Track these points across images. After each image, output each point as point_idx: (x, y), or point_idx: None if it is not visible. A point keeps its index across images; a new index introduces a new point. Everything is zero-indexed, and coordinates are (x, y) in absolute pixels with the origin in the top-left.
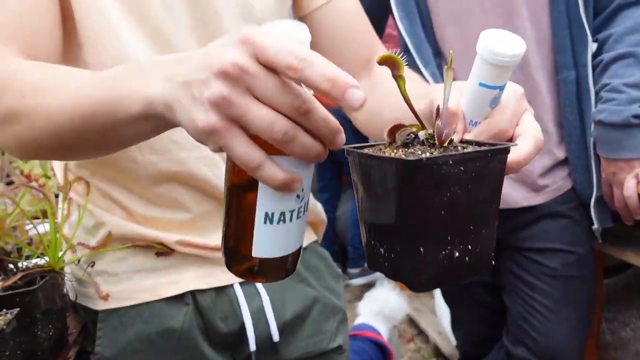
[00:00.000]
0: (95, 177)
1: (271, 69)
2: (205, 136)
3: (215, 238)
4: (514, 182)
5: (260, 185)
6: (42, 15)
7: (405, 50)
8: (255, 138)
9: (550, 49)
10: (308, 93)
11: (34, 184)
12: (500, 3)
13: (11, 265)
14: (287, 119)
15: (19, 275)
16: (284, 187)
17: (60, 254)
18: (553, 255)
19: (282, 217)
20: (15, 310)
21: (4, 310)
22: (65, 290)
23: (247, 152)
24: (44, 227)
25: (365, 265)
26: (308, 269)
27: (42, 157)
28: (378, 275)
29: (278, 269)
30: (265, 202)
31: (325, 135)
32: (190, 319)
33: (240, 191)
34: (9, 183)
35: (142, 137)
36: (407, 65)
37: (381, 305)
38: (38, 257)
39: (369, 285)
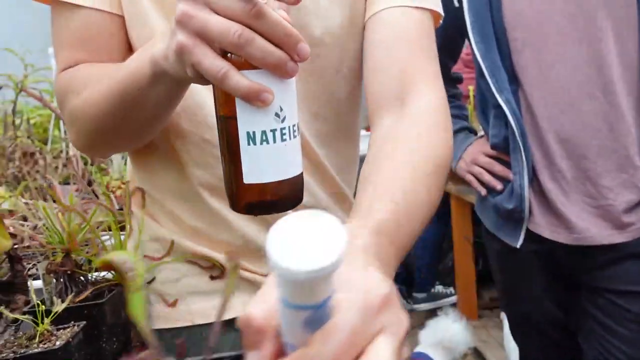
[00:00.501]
0: (154, 190)
1: None
2: (179, 58)
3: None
4: (595, 217)
5: (237, 103)
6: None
7: (480, 75)
8: (224, 56)
9: (637, 75)
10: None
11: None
12: (580, 27)
13: (82, 278)
14: (242, 25)
15: (90, 290)
16: (252, 97)
17: None
18: (636, 299)
19: (264, 137)
20: (82, 323)
21: (72, 322)
22: None
23: (213, 62)
24: (111, 241)
25: (432, 290)
26: None
27: (102, 148)
28: (444, 301)
29: (276, 198)
30: (244, 121)
31: (282, 41)
32: (239, 345)
33: (226, 120)
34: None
35: (163, 100)
36: (480, 92)
37: (442, 335)
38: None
39: (435, 312)
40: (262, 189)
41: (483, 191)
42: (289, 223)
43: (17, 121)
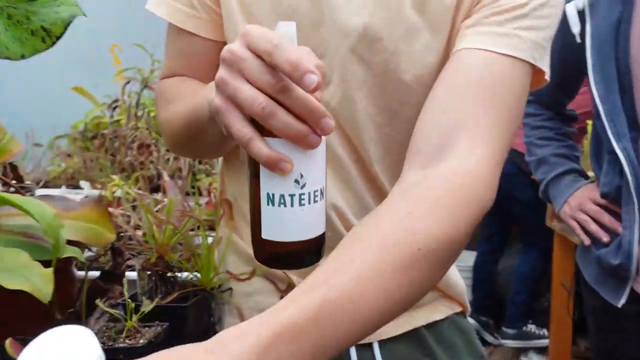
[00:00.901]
0: (241, 200)
1: (258, 54)
2: (216, 117)
3: None
4: None
5: (261, 167)
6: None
7: (597, 117)
8: (253, 121)
9: None
10: (302, 57)
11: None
12: None
13: (171, 279)
14: (268, 97)
15: (177, 293)
16: (271, 164)
17: (212, 275)
18: None
19: (282, 200)
20: (166, 324)
21: (157, 322)
22: (212, 310)
23: (240, 128)
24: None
25: (524, 327)
26: (441, 344)
27: (182, 154)
28: (535, 342)
29: (292, 256)
30: (265, 183)
31: (306, 115)
32: None
33: (252, 177)
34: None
35: (218, 138)
36: (595, 135)
37: None
38: (193, 274)
39: (520, 352)
40: (279, 246)
41: (587, 241)
42: (45, 340)
43: (140, 113)
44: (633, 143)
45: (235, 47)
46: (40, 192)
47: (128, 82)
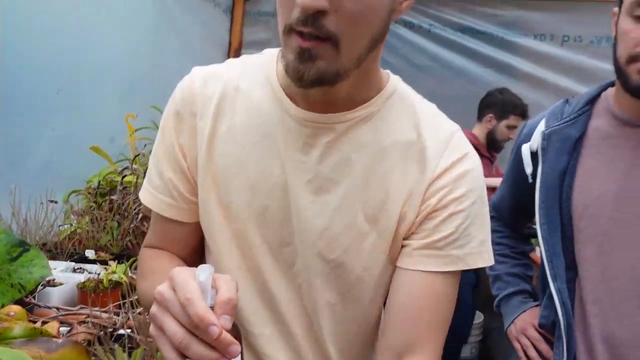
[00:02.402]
0: None
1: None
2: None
3: None
4: None
5: None
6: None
7: (541, 255)
8: None
9: None
10: (207, 311)
11: None
12: None
13: None
14: (186, 331)
15: None
16: None
17: None
18: None
19: None
20: None
21: None
22: None
23: (168, 354)
24: None
25: None
26: None
27: None
28: None
29: None
30: None
31: (215, 345)
32: None
33: None
34: None
35: None
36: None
37: None
38: None
39: None
40: None
41: None
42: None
43: None
44: (570, 283)
45: (163, 290)
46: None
47: (137, 155)
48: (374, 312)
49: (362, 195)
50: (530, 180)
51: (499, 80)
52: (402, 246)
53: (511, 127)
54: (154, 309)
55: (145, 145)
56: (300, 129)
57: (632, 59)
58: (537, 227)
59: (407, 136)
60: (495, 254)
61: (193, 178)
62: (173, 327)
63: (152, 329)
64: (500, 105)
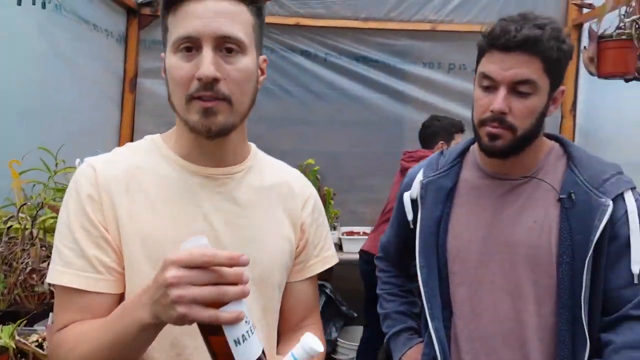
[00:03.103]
0: None
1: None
2: (180, 322)
3: None
4: None
5: (224, 327)
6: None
7: (419, 296)
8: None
9: (551, 338)
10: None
11: None
12: (510, 280)
13: None
14: (215, 286)
15: None
16: (236, 319)
17: None
18: None
19: (245, 337)
20: None
21: None
22: None
23: (207, 314)
24: None
25: None
26: None
27: None
28: None
29: None
30: (229, 335)
31: (235, 282)
32: None
33: (215, 337)
34: None
35: (147, 342)
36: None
37: None
38: None
39: None
40: None
41: None
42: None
43: (35, 233)
44: (446, 321)
45: (175, 273)
46: None
47: (24, 204)
48: (277, 301)
49: (267, 224)
50: (412, 227)
51: (391, 106)
52: (295, 264)
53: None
54: (176, 292)
55: (34, 186)
56: (207, 182)
57: (481, 123)
58: (417, 270)
59: (279, 179)
60: (384, 293)
61: (119, 248)
62: (204, 290)
63: (180, 310)
64: (445, 131)
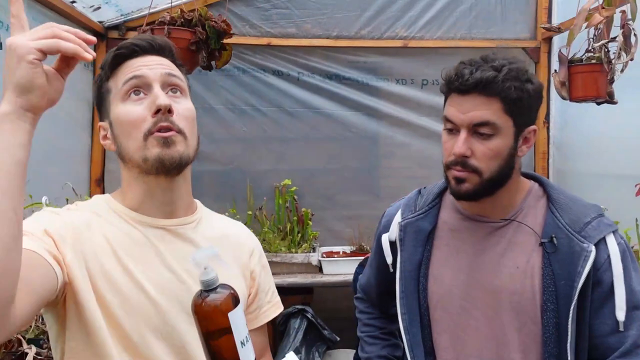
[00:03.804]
0: None
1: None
2: (32, 70)
3: None
4: None
5: (232, 327)
6: None
7: (402, 344)
8: None
9: None
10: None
11: None
12: (494, 327)
13: None
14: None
15: None
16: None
17: None
18: None
19: (247, 338)
20: None
21: None
22: None
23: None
24: None
25: None
26: None
27: None
28: None
29: None
30: (237, 336)
31: (77, 40)
32: None
33: (223, 337)
34: None
35: (15, 147)
36: None
37: None
38: None
39: None
40: None
41: None
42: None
43: None
44: None
45: (17, 40)
46: None
47: None
48: None
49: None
50: (392, 270)
51: (366, 123)
52: (248, 313)
53: None
54: (22, 49)
55: None
56: (164, 234)
57: (447, 167)
58: (399, 316)
59: (227, 231)
60: (365, 336)
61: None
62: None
63: (29, 57)
64: None
